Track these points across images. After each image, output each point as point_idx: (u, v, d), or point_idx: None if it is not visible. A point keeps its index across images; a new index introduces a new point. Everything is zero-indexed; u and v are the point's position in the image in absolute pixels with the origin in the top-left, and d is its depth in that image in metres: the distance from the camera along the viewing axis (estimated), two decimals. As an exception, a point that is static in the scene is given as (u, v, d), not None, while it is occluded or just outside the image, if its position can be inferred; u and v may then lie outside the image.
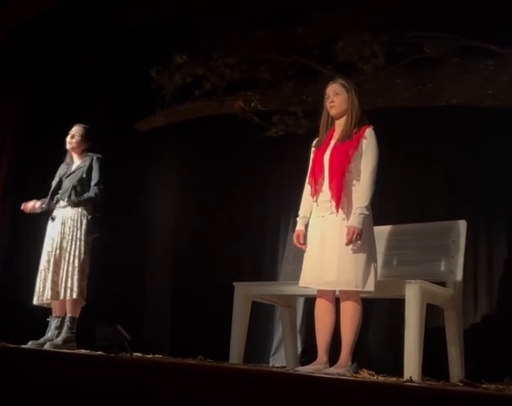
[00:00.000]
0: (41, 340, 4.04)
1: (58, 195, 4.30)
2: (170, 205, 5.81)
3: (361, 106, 3.25)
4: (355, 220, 3.04)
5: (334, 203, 3.11)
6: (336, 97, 3.24)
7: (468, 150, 4.44)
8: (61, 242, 4.16)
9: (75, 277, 4.07)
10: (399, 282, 3.28)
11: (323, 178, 3.19)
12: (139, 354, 3.99)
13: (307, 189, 3.32)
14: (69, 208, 4.20)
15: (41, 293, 4.13)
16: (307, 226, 3.29)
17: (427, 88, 4.41)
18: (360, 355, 4.09)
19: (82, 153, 4.38)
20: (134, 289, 5.55)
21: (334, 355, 3.14)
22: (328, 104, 3.27)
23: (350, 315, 3.08)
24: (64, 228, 4.18)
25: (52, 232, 4.22)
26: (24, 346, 3.85)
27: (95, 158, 4.31)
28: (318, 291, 3.21)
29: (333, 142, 3.23)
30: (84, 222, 4.18)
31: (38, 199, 4.35)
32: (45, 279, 4.14)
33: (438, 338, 3.53)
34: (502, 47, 4.11)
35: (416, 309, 3.13)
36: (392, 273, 3.66)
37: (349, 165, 3.12)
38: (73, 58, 5.47)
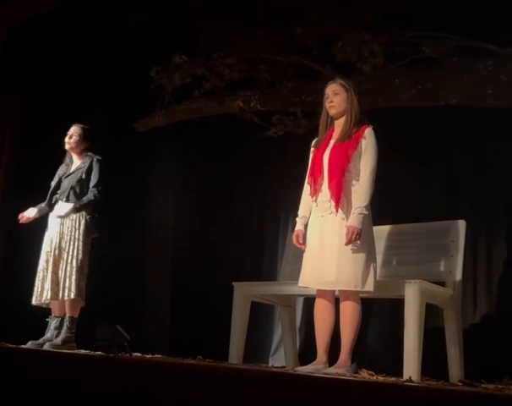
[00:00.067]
0: (41, 340, 4.04)
1: (57, 196, 4.31)
2: (169, 205, 5.80)
3: (360, 106, 3.25)
4: (354, 220, 3.04)
5: (333, 203, 3.11)
6: (335, 97, 3.25)
7: (468, 150, 4.44)
8: (59, 242, 4.16)
9: (73, 277, 4.07)
10: (398, 281, 3.29)
11: (322, 178, 3.19)
12: (139, 354, 3.99)
13: (307, 188, 3.32)
14: (68, 209, 4.20)
15: (40, 293, 4.14)
16: (306, 226, 3.29)
17: (427, 88, 4.41)
18: (359, 355, 4.09)
19: (81, 153, 4.38)
20: (134, 289, 5.55)
21: (333, 355, 3.14)
22: (327, 104, 3.27)
23: (349, 314, 3.08)
24: (63, 228, 4.18)
25: (51, 232, 4.23)
26: (23, 346, 3.85)
27: (95, 159, 4.31)
28: (318, 291, 3.21)
29: (332, 142, 3.23)
30: (83, 222, 4.19)
31: (36, 202, 4.36)
32: (43, 279, 4.14)
33: (437, 338, 3.53)
34: (501, 47, 4.12)
35: (416, 309, 3.14)
36: (391, 273, 3.67)
37: (348, 165, 3.13)
38: (73, 58, 5.47)
